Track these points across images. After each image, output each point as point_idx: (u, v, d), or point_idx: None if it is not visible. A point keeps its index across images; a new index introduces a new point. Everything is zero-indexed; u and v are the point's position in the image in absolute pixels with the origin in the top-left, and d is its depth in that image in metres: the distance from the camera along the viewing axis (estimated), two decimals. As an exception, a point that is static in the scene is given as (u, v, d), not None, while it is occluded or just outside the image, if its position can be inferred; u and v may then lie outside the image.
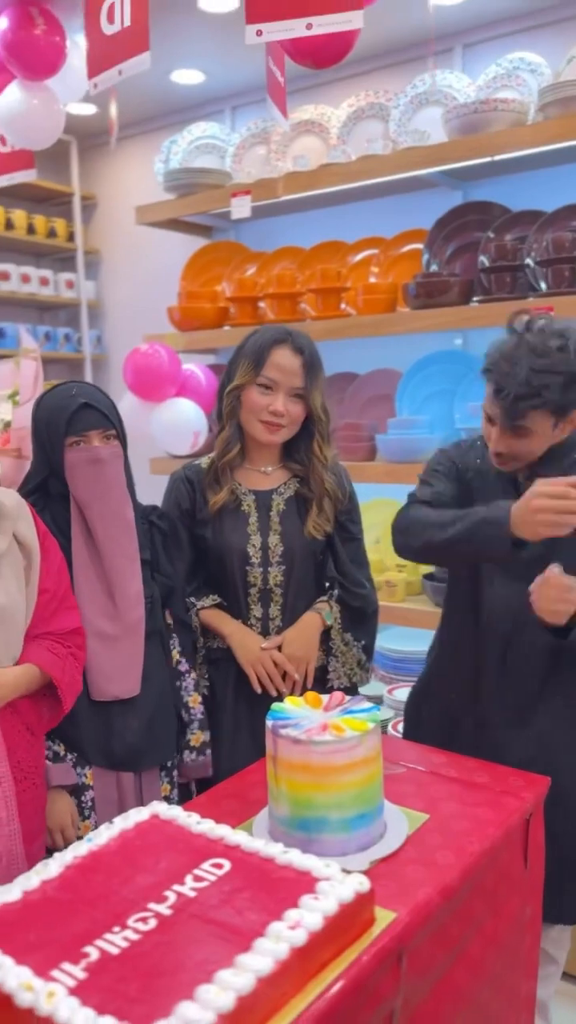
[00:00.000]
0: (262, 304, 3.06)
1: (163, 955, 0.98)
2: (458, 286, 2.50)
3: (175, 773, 1.82)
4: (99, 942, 1.00)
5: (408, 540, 1.71)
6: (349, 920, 1.06)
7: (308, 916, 1.02)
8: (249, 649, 1.83)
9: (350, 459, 2.73)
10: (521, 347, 1.54)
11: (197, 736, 1.83)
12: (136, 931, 1.02)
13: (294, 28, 1.47)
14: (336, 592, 1.93)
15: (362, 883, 1.09)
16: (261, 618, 1.87)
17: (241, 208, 2.88)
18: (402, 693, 2.77)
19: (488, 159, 2.46)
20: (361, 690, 2.02)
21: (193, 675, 1.84)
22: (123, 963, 0.97)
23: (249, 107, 3.51)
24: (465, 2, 2.66)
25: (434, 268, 2.74)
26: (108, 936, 1.01)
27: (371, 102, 2.88)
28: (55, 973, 0.95)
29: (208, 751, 1.85)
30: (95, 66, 1.96)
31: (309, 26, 1.47)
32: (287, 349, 1.78)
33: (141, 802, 1.67)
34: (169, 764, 1.80)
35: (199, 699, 1.84)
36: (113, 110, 2.60)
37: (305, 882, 1.10)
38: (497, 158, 2.45)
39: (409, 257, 2.88)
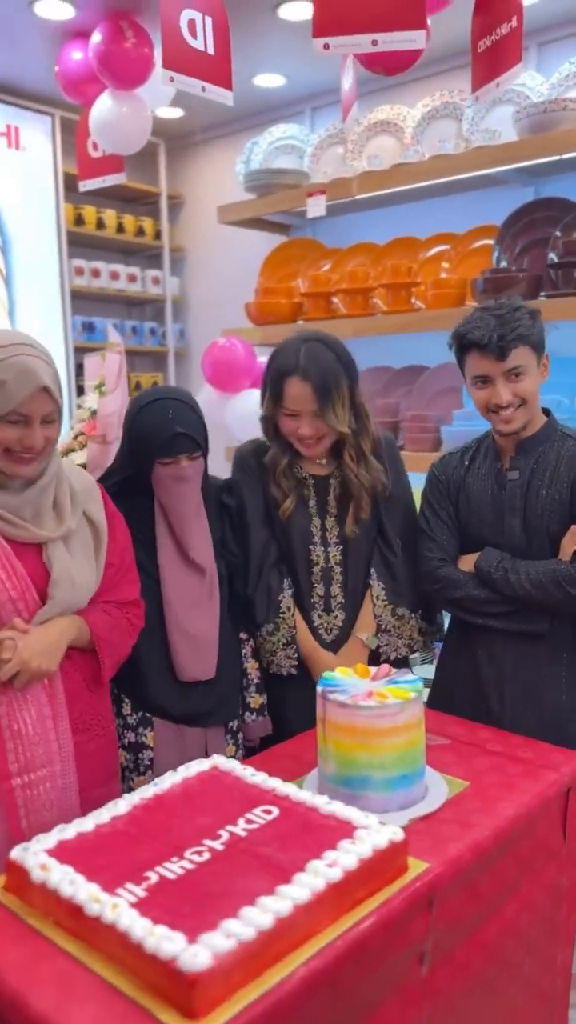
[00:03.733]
0: (335, 299, 3.16)
1: (213, 882, 1.11)
2: (525, 281, 2.54)
3: (240, 736, 1.96)
4: (159, 868, 1.14)
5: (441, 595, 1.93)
6: (383, 864, 1.17)
7: (344, 857, 1.13)
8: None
9: (416, 449, 2.81)
10: (477, 312, 1.80)
11: (256, 699, 1.98)
12: (191, 862, 1.15)
13: (360, 44, 1.56)
14: (381, 570, 1.98)
15: (396, 833, 1.20)
16: (324, 596, 1.97)
17: (316, 207, 2.99)
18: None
19: (556, 157, 2.50)
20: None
21: (251, 643, 1.98)
22: (178, 887, 1.10)
23: (328, 108, 3.60)
24: (539, 2, 2.69)
25: (503, 264, 2.79)
26: (167, 864, 1.15)
27: (445, 102, 2.94)
28: (119, 891, 1.09)
29: (265, 712, 1.99)
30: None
31: (374, 42, 1.56)
32: (296, 380, 1.83)
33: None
34: (234, 727, 1.94)
35: (256, 665, 1.98)
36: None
37: (345, 829, 1.21)
38: (565, 156, 2.48)
39: (480, 253, 2.93)
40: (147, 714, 1.85)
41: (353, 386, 1.91)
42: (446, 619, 2.09)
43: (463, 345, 1.79)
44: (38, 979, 1.02)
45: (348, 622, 1.98)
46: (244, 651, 1.98)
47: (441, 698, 1.92)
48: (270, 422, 1.96)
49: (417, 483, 2.09)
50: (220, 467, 2.15)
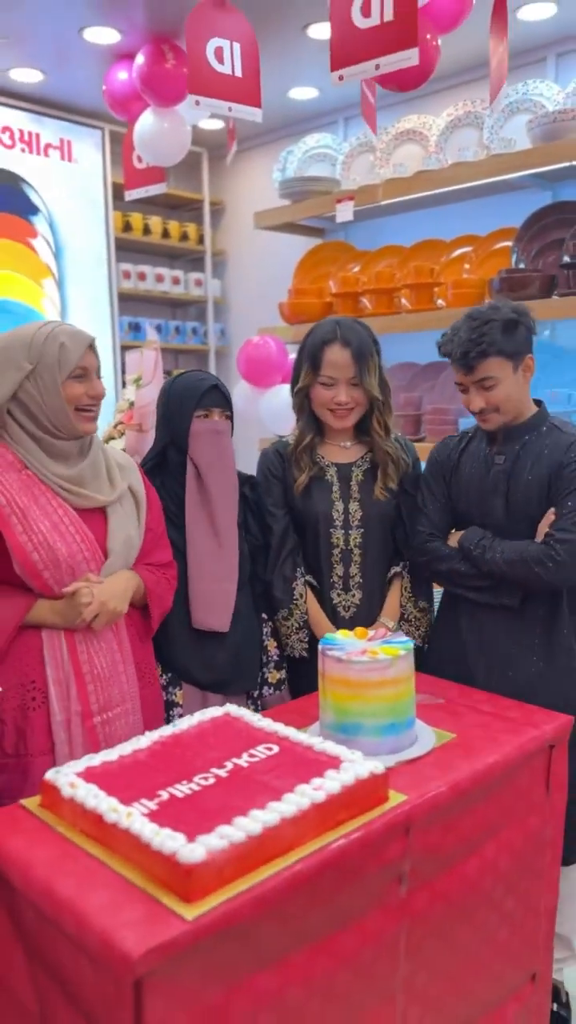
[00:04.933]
0: (363, 299, 3.32)
1: (215, 800, 1.29)
2: (539, 281, 2.67)
3: (259, 703, 2.13)
4: (170, 789, 1.32)
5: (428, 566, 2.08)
6: (363, 792, 1.34)
7: (329, 783, 1.30)
8: None
9: (437, 439, 2.95)
10: (458, 322, 1.91)
11: (273, 674, 2.14)
12: (199, 784, 1.33)
13: (366, 70, 1.74)
14: (407, 564, 2.15)
15: (377, 767, 1.36)
16: (343, 576, 2.12)
17: (345, 212, 3.15)
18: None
19: (568, 164, 2.62)
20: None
21: (271, 623, 2.15)
22: (185, 802, 1.29)
23: (360, 118, 3.75)
24: (559, 12, 2.82)
25: (521, 264, 2.92)
26: (177, 786, 1.33)
27: (468, 111, 3.08)
28: (134, 804, 1.28)
29: (283, 687, 2.15)
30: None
31: (377, 67, 1.73)
32: (337, 346, 2.03)
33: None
34: (255, 695, 2.12)
35: (275, 643, 2.14)
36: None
37: (333, 762, 1.38)
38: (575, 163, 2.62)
39: (500, 254, 3.07)
40: (175, 675, 2.03)
41: (380, 360, 2.09)
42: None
43: (442, 355, 1.95)
44: (64, 872, 1.21)
45: (366, 601, 2.13)
46: (265, 630, 2.14)
47: (431, 664, 2.07)
48: (303, 394, 2.12)
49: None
50: (252, 458, 2.31)
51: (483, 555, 1.94)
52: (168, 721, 2.01)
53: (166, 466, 2.07)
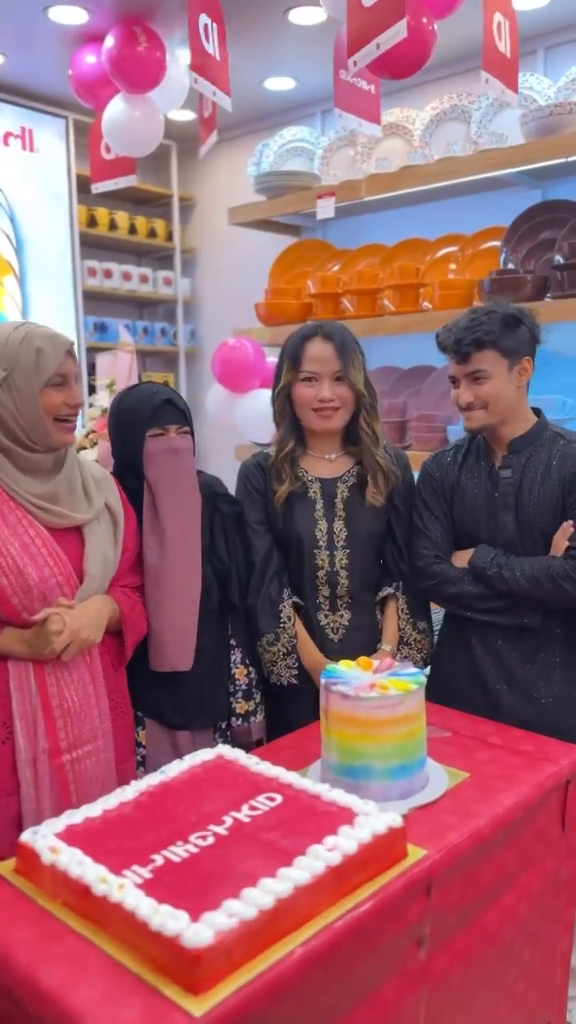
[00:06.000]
0: (344, 300, 3.19)
1: (217, 865, 1.15)
2: (532, 282, 2.57)
3: (226, 736, 1.97)
4: (164, 852, 1.18)
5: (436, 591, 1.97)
6: (381, 849, 1.21)
7: (344, 842, 1.17)
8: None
9: (423, 448, 2.84)
10: (465, 313, 1.86)
11: (241, 704, 1.97)
12: (196, 845, 1.19)
13: (370, 52, 1.66)
14: (400, 583, 2.02)
15: (395, 819, 1.23)
16: (329, 597, 1.98)
17: (326, 209, 3.02)
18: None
19: (563, 160, 2.52)
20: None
21: (239, 651, 1.98)
22: (183, 869, 1.14)
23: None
24: (550, 4, 2.72)
25: (510, 265, 2.81)
26: (172, 848, 1.19)
27: (454, 105, 2.97)
28: (126, 872, 1.13)
29: (253, 718, 1.98)
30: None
31: (378, 46, 1.62)
32: (318, 339, 1.93)
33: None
34: (224, 726, 1.96)
35: (244, 672, 1.98)
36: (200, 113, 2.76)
37: (345, 815, 1.25)
38: (572, 159, 2.51)
39: (487, 254, 2.96)
40: (138, 713, 1.87)
41: (364, 362, 1.97)
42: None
43: (438, 345, 1.88)
44: (48, 956, 1.06)
45: (355, 622, 2.00)
46: (233, 657, 1.98)
47: (438, 691, 1.95)
48: (285, 395, 1.98)
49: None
50: (227, 466, 2.18)
51: (499, 574, 1.82)
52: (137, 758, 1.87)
53: (125, 490, 1.88)
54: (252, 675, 1.99)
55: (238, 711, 1.98)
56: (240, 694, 1.98)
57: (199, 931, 0.98)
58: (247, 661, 1.99)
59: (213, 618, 1.93)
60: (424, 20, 1.98)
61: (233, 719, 1.97)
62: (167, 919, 1.01)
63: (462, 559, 1.91)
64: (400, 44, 1.84)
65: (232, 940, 1.00)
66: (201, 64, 2.09)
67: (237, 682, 1.98)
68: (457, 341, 1.79)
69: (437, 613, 2.11)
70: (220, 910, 1.03)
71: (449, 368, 1.87)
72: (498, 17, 1.84)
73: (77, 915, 1.12)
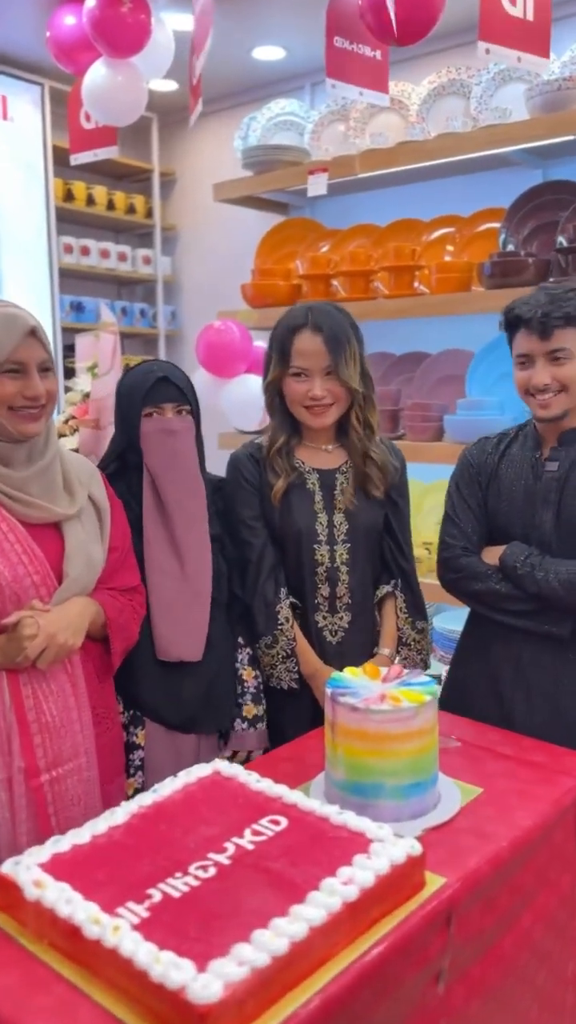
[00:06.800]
0: (335, 282, 3.07)
1: (221, 900, 1.04)
2: (534, 266, 2.47)
3: (230, 740, 1.87)
4: (162, 885, 1.07)
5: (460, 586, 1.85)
6: (400, 881, 1.10)
7: (360, 874, 1.06)
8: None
9: (417, 439, 2.74)
10: (534, 291, 1.74)
11: (249, 708, 1.87)
12: (196, 877, 1.08)
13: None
14: (398, 581, 1.94)
15: (414, 847, 1.13)
16: (328, 597, 1.87)
17: (317, 186, 2.89)
18: (461, 674, 2.79)
19: (570, 137, 2.41)
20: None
21: (248, 650, 1.88)
22: (183, 905, 1.03)
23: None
24: (554, -26, 2.59)
25: (511, 248, 2.71)
26: (170, 880, 1.07)
27: (452, 79, 2.85)
28: (120, 910, 1.02)
29: (260, 725, 1.88)
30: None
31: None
32: (307, 332, 1.79)
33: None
34: (228, 732, 1.86)
35: (253, 673, 1.88)
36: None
37: (359, 842, 1.14)
38: (578, 136, 2.41)
39: (486, 236, 2.85)
40: (137, 713, 1.77)
41: (361, 350, 1.85)
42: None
43: (510, 321, 1.72)
44: (33, 1008, 0.95)
45: (354, 623, 1.90)
46: (241, 657, 1.88)
47: (454, 699, 1.85)
48: (275, 389, 1.87)
49: (417, 475, 2.01)
50: (212, 454, 2.06)
51: (531, 574, 1.70)
52: (127, 767, 1.75)
53: (127, 472, 1.80)
54: (259, 678, 1.89)
55: (246, 715, 1.87)
56: (248, 697, 1.87)
57: (207, 983, 0.88)
58: (255, 663, 1.89)
59: (222, 611, 1.83)
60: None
61: (239, 723, 1.87)
62: (170, 969, 0.90)
63: (493, 555, 1.78)
64: (408, 8, 1.72)
65: (243, 992, 0.90)
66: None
67: (245, 684, 1.87)
68: (545, 315, 1.63)
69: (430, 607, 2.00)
70: (229, 957, 0.92)
71: (519, 346, 1.71)
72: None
73: (66, 959, 1.01)
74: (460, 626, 2.81)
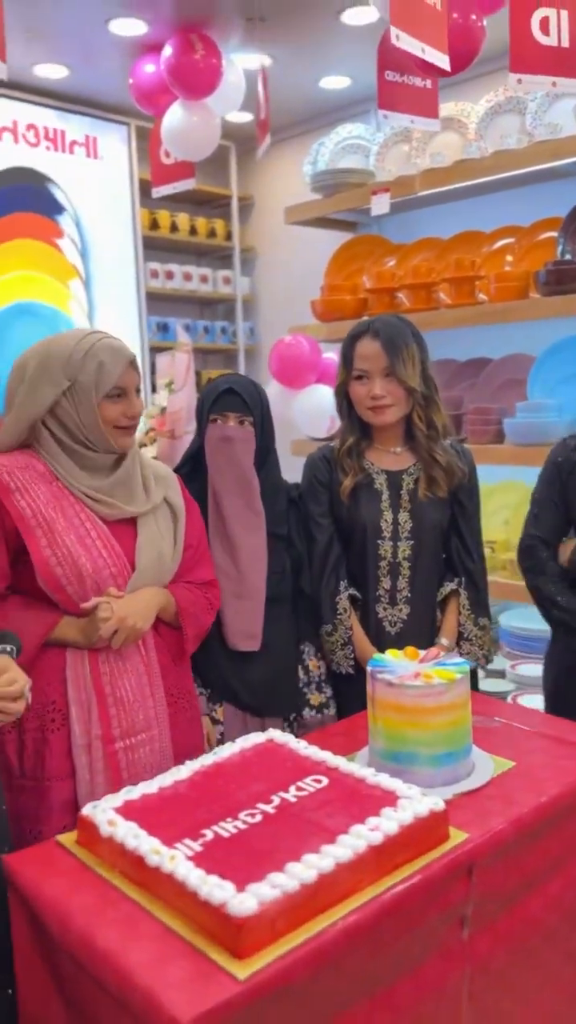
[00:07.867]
0: (399, 295, 3.21)
1: (263, 841, 1.20)
2: (588, 273, 2.55)
3: (299, 724, 2.03)
4: (214, 827, 1.24)
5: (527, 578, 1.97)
6: (423, 832, 1.24)
7: (386, 823, 1.21)
8: None
9: (477, 442, 2.84)
10: None
11: (316, 696, 2.03)
12: (244, 822, 1.25)
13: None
14: (463, 579, 2.03)
15: (437, 803, 1.27)
16: (389, 589, 2.00)
17: (380, 205, 3.04)
18: (525, 669, 2.87)
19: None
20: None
21: (311, 644, 2.04)
22: (231, 843, 1.20)
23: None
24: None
25: (567, 256, 2.79)
26: (222, 824, 1.25)
27: (509, 96, 2.95)
28: (177, 845, 1.19)
29: (327, 710, 2.04)
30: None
31: (424, 50, 1.65)
32: (367, 338, 1.95)
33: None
34: (292, 718, 2.02)
35: (319, 664, 2.04)
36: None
37: (389, 798, 1.29)
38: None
39: (544, 245, 2.93)
40: (215, 692, 1.95)
41: (423, 355, 1.98)
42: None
43: None
44: (105, 921, 1.13)
45: (414, 616, 2.01)
46: (308, 649, 2.04)
47: (557, 699, 1.92)
48: (342, 393, 2.03)
49: (481, 476, 2.11)
50: (285, 461, 2.21)
51: None
52: (217, 737, 1.94)
53: (200, 474, 1.98)
54: (323, 668, 2.05)
55: (312, 703, 2.03)
56: (313, 685, 2.04)
57: (244, 900, 1.04)
58: (320, 654, 2.05)
59: (287, 606, 1.99)
60: (473, 17, 1.99)
61: (307, 711, 2.03)
62: (214, 889, 1.07)
63: (565, 551, 1.87)
64: (449, 41, 1.86)
65: (275, 910, 1.06)
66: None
67: (311, 672, 2.04)
68: None
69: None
70: (264, 882, 1.08)
71: None
72: (542, 13, 1.83)
73: (132, 883, 1.19)
74: (526, 623, 2.93)
